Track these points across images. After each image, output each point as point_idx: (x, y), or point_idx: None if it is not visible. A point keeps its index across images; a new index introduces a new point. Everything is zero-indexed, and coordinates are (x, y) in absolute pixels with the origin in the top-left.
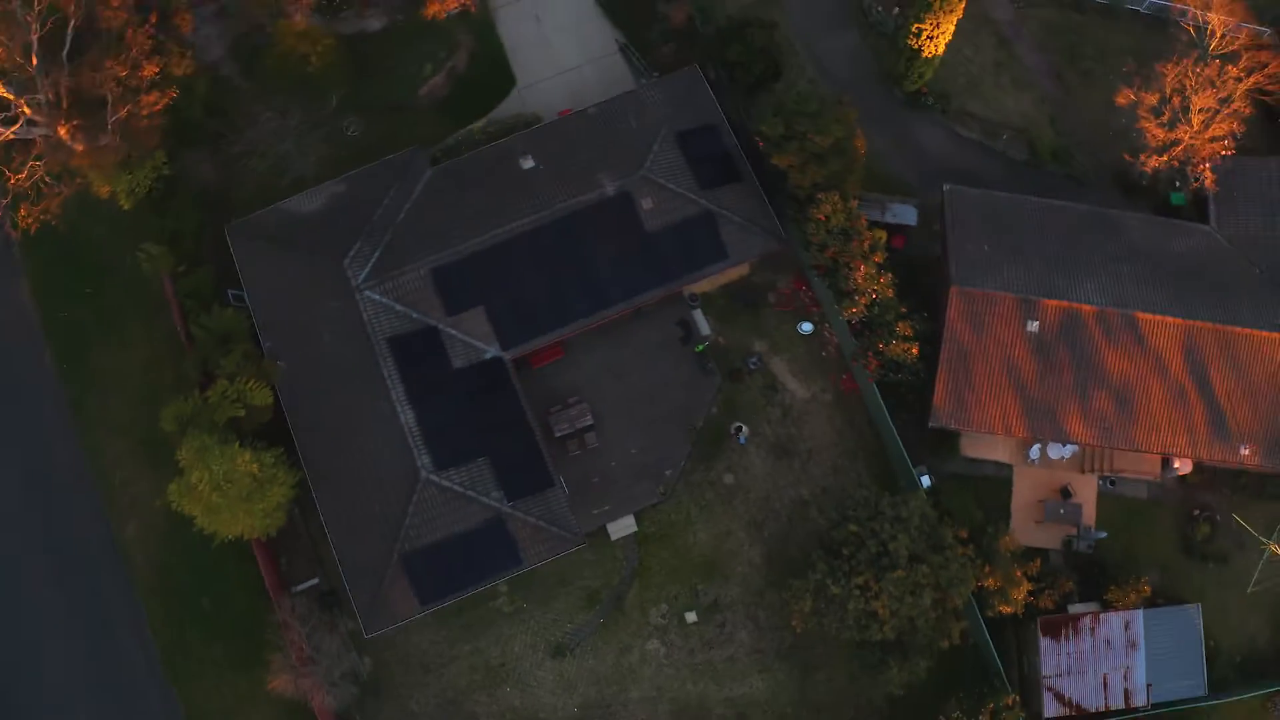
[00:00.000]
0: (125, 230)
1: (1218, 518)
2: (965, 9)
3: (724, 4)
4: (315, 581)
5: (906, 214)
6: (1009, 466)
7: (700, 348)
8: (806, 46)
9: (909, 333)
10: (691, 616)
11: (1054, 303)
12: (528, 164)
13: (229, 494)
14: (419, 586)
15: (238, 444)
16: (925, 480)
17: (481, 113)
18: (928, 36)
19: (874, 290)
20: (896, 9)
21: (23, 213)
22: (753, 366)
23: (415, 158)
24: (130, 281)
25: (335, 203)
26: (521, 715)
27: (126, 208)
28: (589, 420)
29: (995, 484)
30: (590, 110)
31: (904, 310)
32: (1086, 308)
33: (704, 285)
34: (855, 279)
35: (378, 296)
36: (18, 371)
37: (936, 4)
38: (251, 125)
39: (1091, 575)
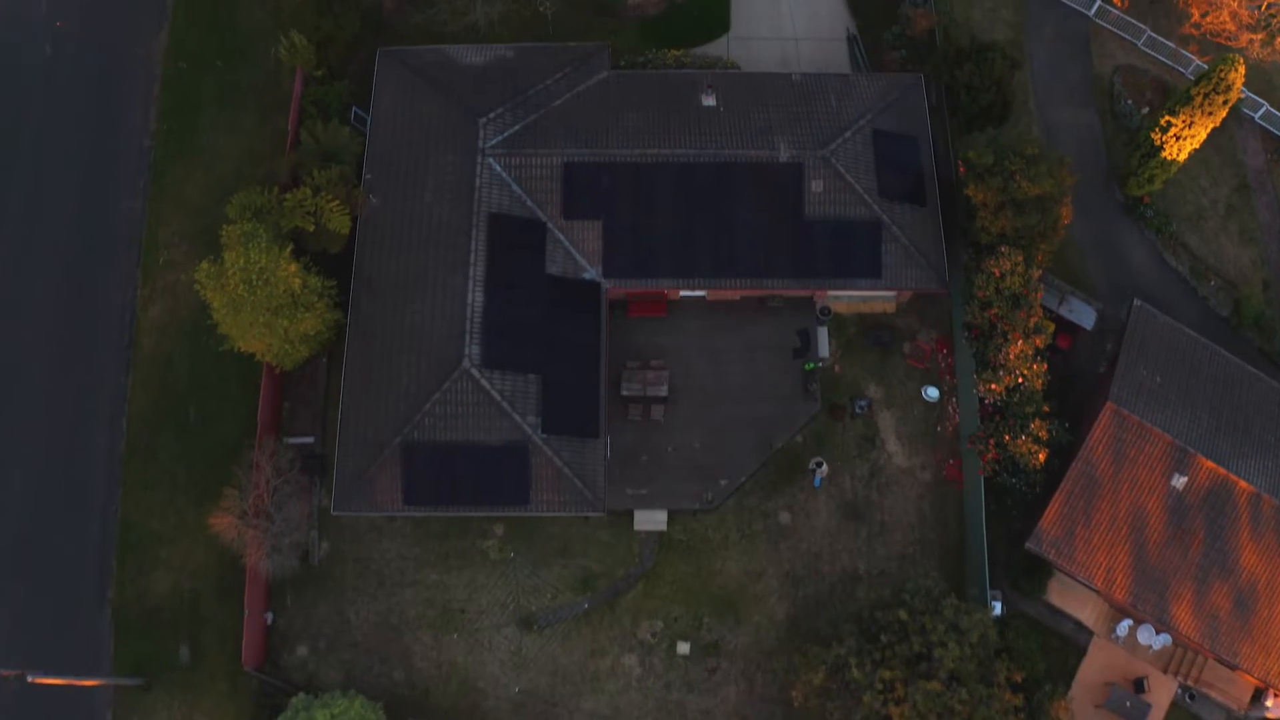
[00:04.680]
0: (281, 23)
1: None
2: (1217, 141)
3: (972, 30)
4: (310, 440)
5: (1085, 314)
6: (1090, 634)
7: (810, 366)
8: (1040, 110)
9: (1043, 435)
10: (684, 648)
11: (1211, 465)
12: (709, 101)
13: (258, 295)
14: (409, 482)
15: (289, 250)
16: (996, 607)
17: (683, 46)
18: (1175, 135)
19: (1022, 374)
20: (1147, 108)
21: None
22: (859, 410)
23: (600, 53)
24: (264, 73)
25: (498, 65)
26: (457, 672)
27: None
28: (664, 391)
29: (1067, 645)
30: (794, 76)
31: (1045, 410)
32: (1243, 485)
33: (841, 304)
34: (1008, 353)
35: (499, 167)
36: (118, 113)
37: (1199, 100)
38: None
39: None
